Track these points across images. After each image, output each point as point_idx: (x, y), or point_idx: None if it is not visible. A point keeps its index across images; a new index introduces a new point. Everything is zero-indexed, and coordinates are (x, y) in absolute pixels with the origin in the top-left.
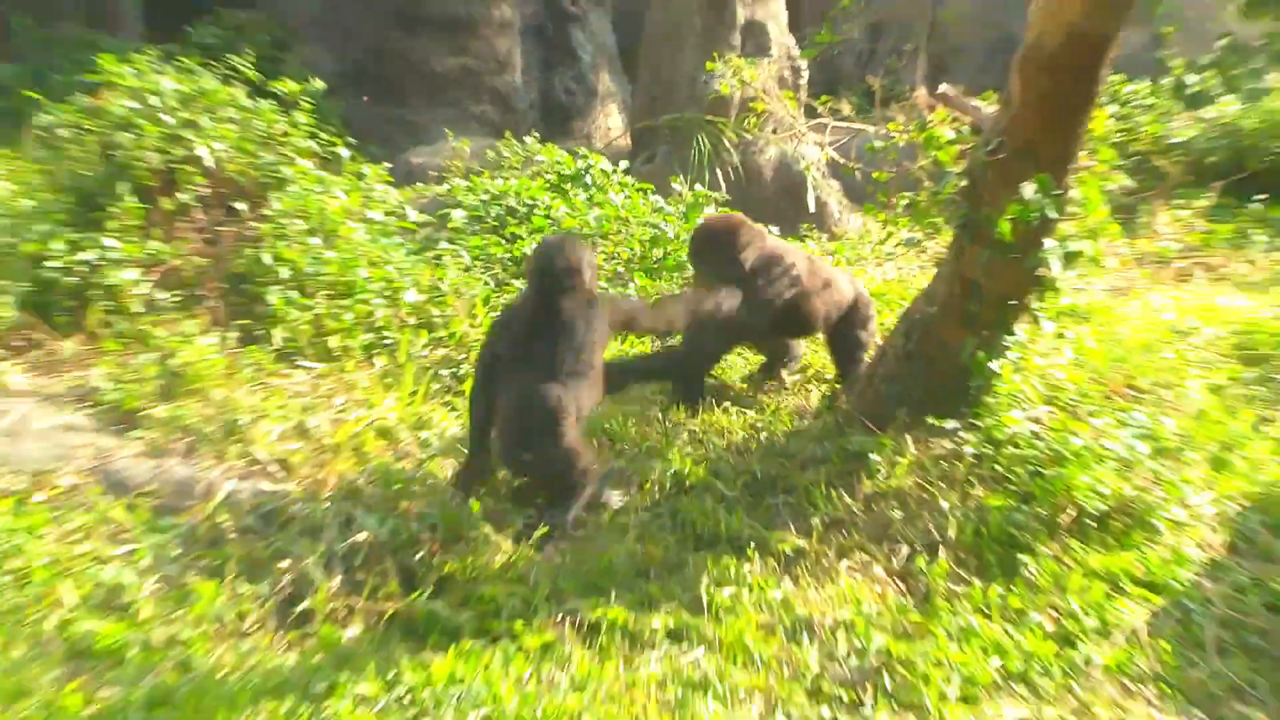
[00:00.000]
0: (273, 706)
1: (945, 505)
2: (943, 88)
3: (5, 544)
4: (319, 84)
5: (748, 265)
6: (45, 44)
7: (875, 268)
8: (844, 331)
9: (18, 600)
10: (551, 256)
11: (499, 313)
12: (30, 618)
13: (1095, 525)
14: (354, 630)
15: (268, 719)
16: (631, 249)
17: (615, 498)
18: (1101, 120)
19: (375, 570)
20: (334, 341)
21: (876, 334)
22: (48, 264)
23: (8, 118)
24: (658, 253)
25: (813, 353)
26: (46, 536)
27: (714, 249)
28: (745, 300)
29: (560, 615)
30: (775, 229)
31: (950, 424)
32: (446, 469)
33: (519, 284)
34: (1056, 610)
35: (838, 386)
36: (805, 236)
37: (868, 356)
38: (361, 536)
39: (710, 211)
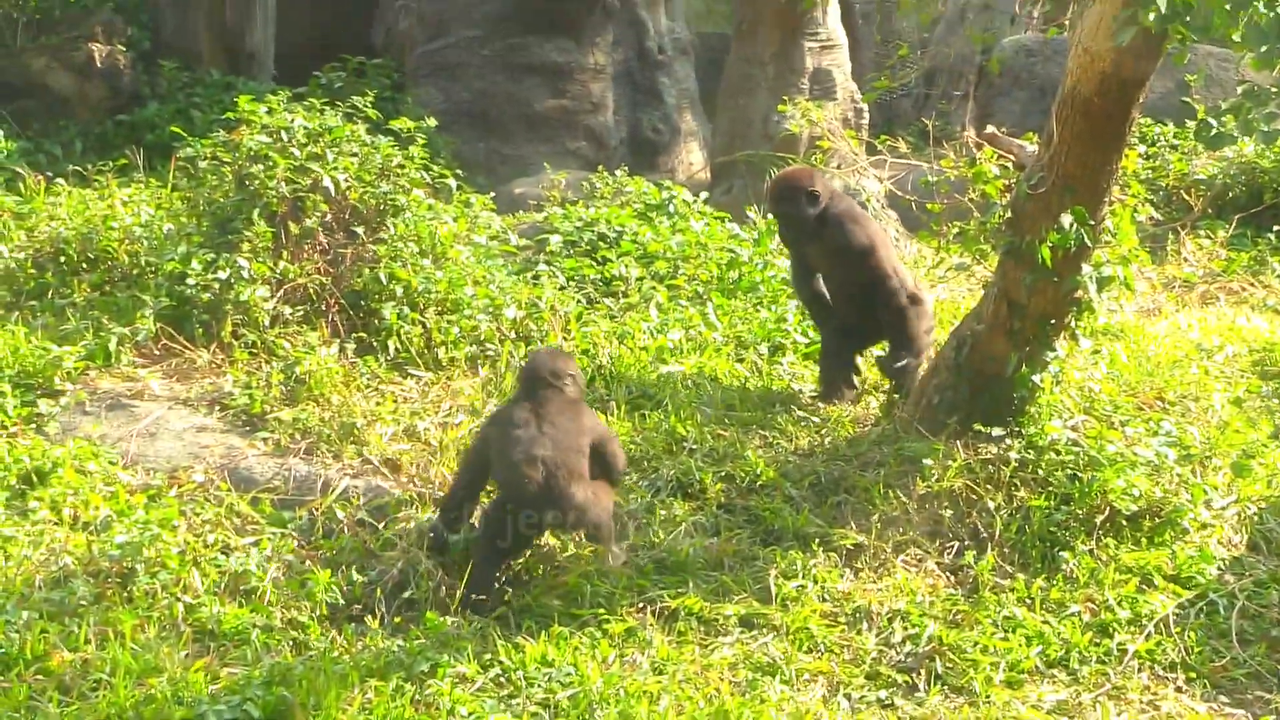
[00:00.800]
0: (380, 685)
1: (991, 505)
2: (989, 129)
3: (141, 535)
4: (431, 122)
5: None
6: (188, 86)
7: (928, 289)
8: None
9: (151, 586)
10: (544, 364)
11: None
12: (162, 602)
13: (1128, 525)
14: (454, 616)
15: (375, 696)
16: (710, 271)
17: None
18: (1132, 158)
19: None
20: (442, 353)
21: (931, 348)
22: (186, 281)
23: (155, 151)
24: (733, 275)
25: (869, 366)
26: (179, 528)
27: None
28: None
29: (641, 603)
30: None
31: (996, 431)
32: None
33: (609, 303)
34: (1093, 602)
35: (894, 397)
36: None
37: (922, 370)
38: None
39: None
